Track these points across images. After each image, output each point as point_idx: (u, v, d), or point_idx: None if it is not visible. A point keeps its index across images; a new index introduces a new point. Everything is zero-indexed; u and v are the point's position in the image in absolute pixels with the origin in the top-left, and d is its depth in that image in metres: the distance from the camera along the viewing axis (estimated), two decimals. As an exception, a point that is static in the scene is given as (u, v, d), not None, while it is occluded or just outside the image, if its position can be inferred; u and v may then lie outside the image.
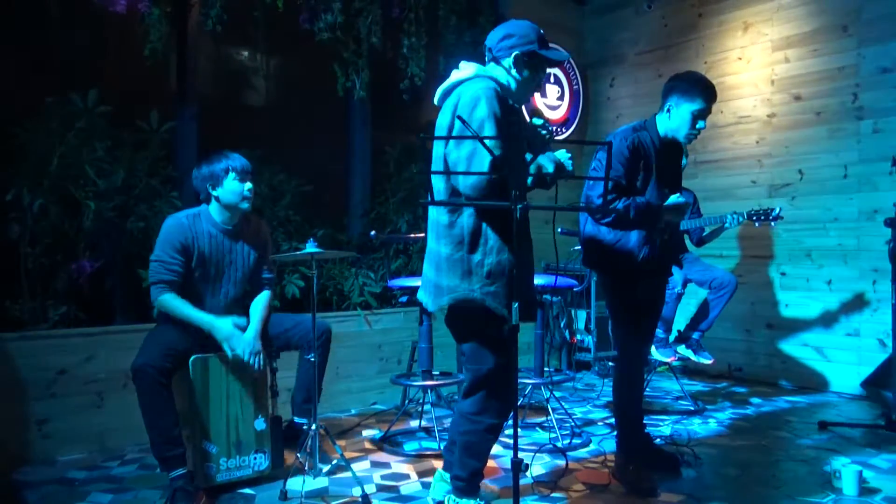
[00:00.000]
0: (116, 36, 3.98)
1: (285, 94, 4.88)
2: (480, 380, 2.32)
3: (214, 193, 2.84)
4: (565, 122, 5.93)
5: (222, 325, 2.74)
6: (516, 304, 2.10)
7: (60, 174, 3.39)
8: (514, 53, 2.29)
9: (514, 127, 2.25)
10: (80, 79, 3.65)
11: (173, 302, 2.72)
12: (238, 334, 2.76)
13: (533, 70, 2.33)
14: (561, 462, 3.10)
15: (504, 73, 2.32)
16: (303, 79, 4.89)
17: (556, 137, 5.78)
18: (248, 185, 2.86)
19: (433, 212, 2.34)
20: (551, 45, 2.42)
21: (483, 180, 2.11)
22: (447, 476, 2.53)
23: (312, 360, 2.86)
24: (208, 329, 2.72)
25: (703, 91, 2.72)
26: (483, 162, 2.09)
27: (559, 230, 4.08)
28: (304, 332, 2.99)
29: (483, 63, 2.38)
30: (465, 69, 2.33)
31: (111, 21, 3.72)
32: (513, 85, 2.33)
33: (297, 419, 3.13)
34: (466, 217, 2.23)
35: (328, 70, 4.54)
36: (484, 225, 2.23)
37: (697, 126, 2.75)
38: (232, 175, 2.82)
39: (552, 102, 5.85)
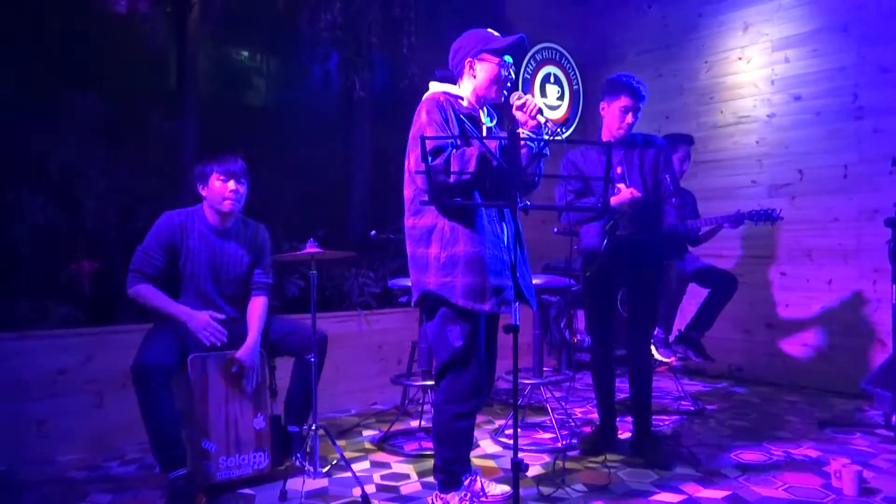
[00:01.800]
0: (116, 36, 3.98)
1: (285, 94, 4.88)
2: (443, 367, 2.41)
3: (203, 194, 2.87)
4: (565, 122, 5.93)
5: (197, 319, 2.74)
6: (517, 304, 2.11)
7: (60, 174, 3.40)
8: (466, 61, 2.47)
9: (466, 126, 2.42)
10: (80, 79, 3.65)
11: (149, 293, 2.74)
12: (212, 326, 2.76)
13: (489, 65, 2.46)
14: (561, 462, 3.09)
15: (464, 86, 2.50)
16: (303, 79, 4.89)
17: (556, 137, 5.77)
18: (231, 186, 2.84)
19: (405, 218, 2.47)
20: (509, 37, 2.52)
21: (445, 158, 2.25)
22: None
23: (312, 359, 2.85)
24: (185, 321, 2.73)
25: (627, 87, 3.01)
26: (437, 152, 2.26)
27: (554, 231, 4.08)
28: (300, 340, 2.95)
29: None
30: (430, 88, 2.53)
31: (111, 21, 3.72)
32: (479, 89, 2.48)
33: (289, 427, 3.04)
34: (427, 217, 2.39)
35: (328, 70, 4.53)
36: (441, 222, 2.36)
37: (627, 121, 3.04)
38: (214, 176, 2.83)
39: (552, 102, 5.85)
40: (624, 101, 3.01)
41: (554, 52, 5.87)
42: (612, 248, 3.02)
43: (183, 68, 4.14)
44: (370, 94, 4.71)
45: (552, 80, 5.86)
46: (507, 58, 2.50)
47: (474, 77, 2.47)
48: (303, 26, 4.34)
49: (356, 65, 4.54)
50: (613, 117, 3.05)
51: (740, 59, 5.06)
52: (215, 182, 2.83)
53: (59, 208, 3.40)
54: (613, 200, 2.94)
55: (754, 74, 4.99)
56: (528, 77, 5.68)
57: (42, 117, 3.43)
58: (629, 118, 3.02)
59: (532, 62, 5.71)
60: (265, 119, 4.77)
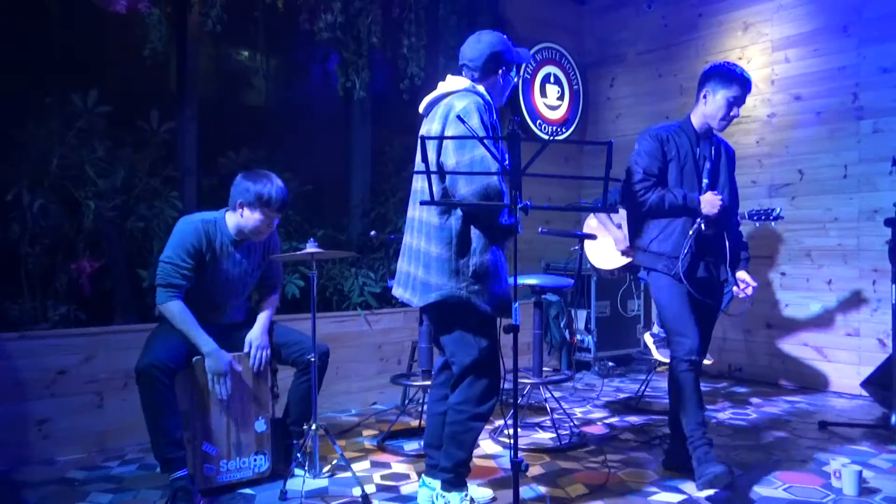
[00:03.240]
0: (116, 36, 3.98)
1: (285, 94, 4.88)
2: (465, 369, 2.40)
3: (237, 209, 2.77)
4: (565, 122, 5.93)
5: (219, 360, 2.69)
6: (517, 304, 2.11)
7: (60, 174, 3.40)
8: (493, 78, 2.50)
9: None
10: (80, 79, 3.65)
11: (180, 312, 2.67)
12: (227, 379, 2.72)
13: (505, 78, 2.55)
14: (561, 462, 3.10)
15: (484, 89, 2.50)
16: (303, 79, 4.90)
17: (556, 137, 5.78)
18: (271, 226, 2.82)
19: (424, 213, 2.43)
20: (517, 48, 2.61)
21: (491, 189, 2.23)
22: (429, 480, 2.57)
23: (312, 359, 2.85)
24: (206, 354, 2.68)
25: (740, 78, 2.88)
26: (487, 169, 2.22)
27: (539, 230, 4.04)
28: (302, 350, 2.93)
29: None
30: (456, 82, 2.47)
31: (111, 21, 3.71)
32: (497, 98, 2.55)
33: (291, 439, 3.02)
34: (455, 220, 2.35)
35: (328, 70, 4.53)
36: (471, 227, 2.35)
37: (732, 113, 2.89)
38: (263, 208, 2.74)
39: (552, 102, 5.85)
40: (735, 91, 2.87)
41: (554, 52, 5.87)
42: (696, 248, 2.88)
43: (183, 68, 4.13)
44: (370, 94, 4.71)
45: (552, 80, 5.86)
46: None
47: (493, 87, 2.52)
48: (303, 26, 4.34)
49: (356, 65, 4.54)
50: (718, 106, 2.89)
51: (740, 59, 5.06)
52: (258, 212, 2.74)
53: (59, 208, 3.40)
54: (706, 207, 2.84)
55: (754, 74, 4.96)
56: (528, 77, 5.68)
57: (42, 117, 3.43)
58: (735, 111, 2.90)
59: (532, 62, 5.71)
60: (265, 119, 4.77)
